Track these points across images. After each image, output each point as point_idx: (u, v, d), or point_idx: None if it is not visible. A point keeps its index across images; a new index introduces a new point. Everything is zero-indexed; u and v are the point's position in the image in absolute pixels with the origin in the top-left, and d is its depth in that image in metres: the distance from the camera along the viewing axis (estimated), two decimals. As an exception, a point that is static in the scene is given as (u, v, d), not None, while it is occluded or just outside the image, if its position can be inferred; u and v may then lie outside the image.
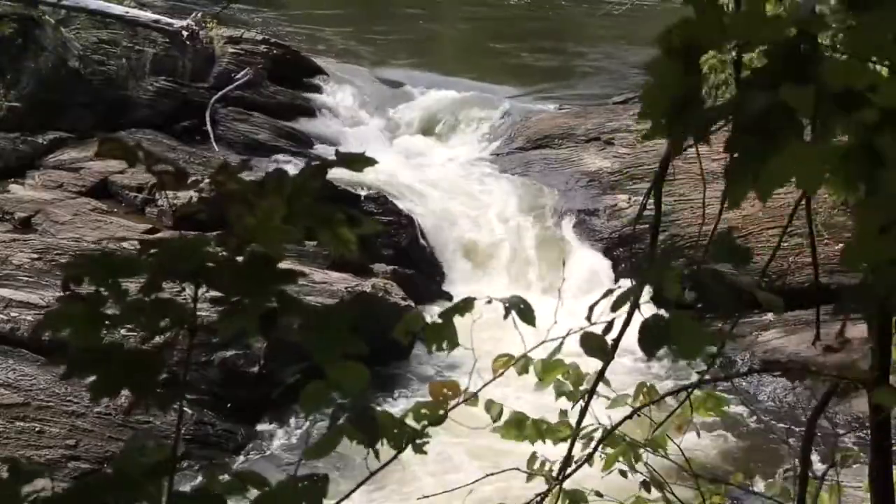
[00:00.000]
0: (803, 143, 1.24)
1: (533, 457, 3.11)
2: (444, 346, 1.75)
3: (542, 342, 1.79)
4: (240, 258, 1.21)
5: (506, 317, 1.76)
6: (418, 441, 1.68)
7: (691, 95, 1.32)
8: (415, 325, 1.77)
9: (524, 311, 1.72)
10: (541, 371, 3.03)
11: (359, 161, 1.30)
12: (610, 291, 1.52)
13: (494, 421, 3.08)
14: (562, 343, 1.74)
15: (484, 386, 2.08)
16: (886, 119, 1.18)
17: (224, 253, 1.16)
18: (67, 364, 1.20)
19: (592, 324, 1.60)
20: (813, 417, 2.47)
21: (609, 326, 1.57)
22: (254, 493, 1.40)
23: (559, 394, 3.04)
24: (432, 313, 1.95)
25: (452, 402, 1.82)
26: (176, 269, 1.11)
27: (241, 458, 7.09)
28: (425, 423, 1.72)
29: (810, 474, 2.57)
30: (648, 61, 1.33)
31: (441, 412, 1.77)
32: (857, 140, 1.20)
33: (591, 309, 1.58)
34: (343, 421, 1.47)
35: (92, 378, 1.22)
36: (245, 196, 1.12)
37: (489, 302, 1.80)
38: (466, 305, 1.71)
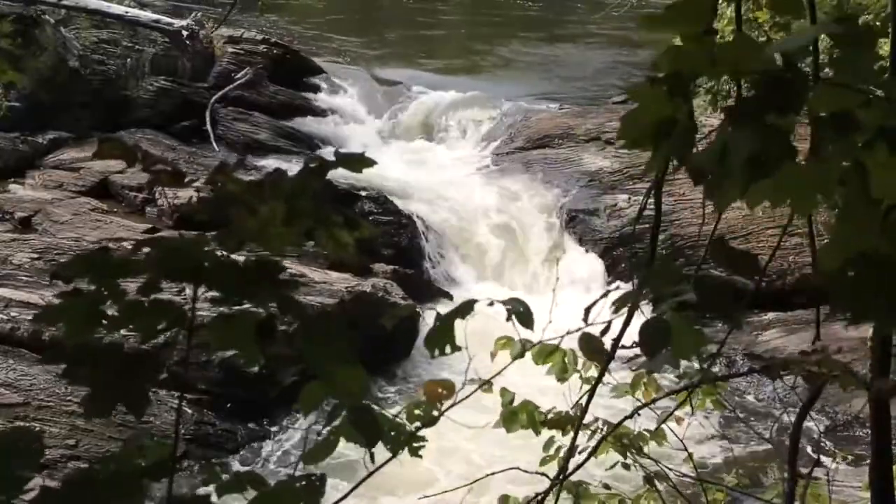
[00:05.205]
0: (796, 165, 1.27)
1: (551, 441, 3.13)
2: (447, 350, 1.75)
3: (539, 342, 1.79)
4: (240, 259, 1.21)
5: (508, 319, 1.76)
6: (415, 444, 1.67)
7: (678, 119, 1.34)
8: (405, 313, 1.78)
9: (523, 315, 1.72)
10: (536, 355, 3.05)
11: (358, 162, 1.30)
12: (607, 293, 1.53)
13: (506, 407, 3.09)
14: (559, 344, 1.74)
15: (479, 387, 2.08)
16: (877, 137, 1.21)
17: (223, 252, 1.16)
18: (66, 362, 1.20)
19: (589, 324, 1.60)
20: (800, 416, 2.47)
21: (607, 328, 1.58)
22: (252, 493, 1.40)
23: (561, 378, 3.05)
24: (432, 313, 1.94)
25: (447, 403, 1.82)
26: (174, 268, 1.11)
27: (241, 458, 7.09)
28: (418, 424, 1.72)
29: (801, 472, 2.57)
30: (631, 86, 1.35)
31: (435, 413, 1.76)
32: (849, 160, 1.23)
33: (587, 311, 1.58)
34: (341, 421, 1.47)
35: (86, 392, 1.23)
36: (244, 197, 1.12)
37: (491, 304, 1.80)
38: (467, 308, 1.71)
